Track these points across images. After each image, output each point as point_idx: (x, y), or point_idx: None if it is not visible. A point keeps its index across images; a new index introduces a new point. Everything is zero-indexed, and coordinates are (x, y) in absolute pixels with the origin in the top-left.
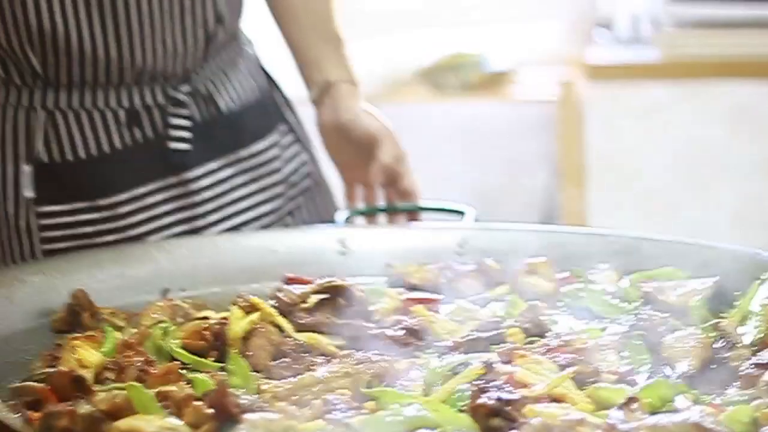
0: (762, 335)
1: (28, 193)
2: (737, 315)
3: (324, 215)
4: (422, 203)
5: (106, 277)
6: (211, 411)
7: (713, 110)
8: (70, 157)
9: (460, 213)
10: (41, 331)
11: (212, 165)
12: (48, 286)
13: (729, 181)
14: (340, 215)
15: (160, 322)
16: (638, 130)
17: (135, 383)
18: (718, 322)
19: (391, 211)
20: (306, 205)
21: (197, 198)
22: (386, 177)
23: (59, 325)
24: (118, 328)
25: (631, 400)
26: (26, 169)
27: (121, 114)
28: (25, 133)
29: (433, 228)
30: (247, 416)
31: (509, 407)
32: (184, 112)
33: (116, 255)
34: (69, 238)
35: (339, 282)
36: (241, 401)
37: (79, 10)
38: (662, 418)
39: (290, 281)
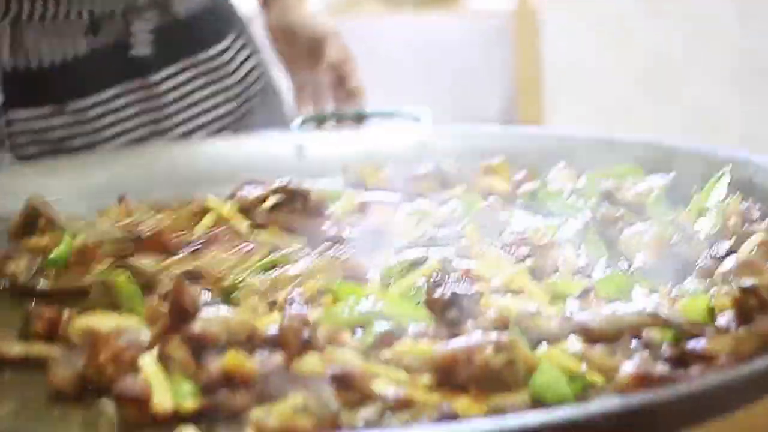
0: (717, 229)
1: None
2: (693, 210)
3: (276, 118)
4: (378, 109)
5: (62, 185)
6: (165, 308)
7: (669, 20)
8: (35, 64)
9: (416, 119)
10: None
11: (172, 69)
12: (2, 193)
13: (686, 88)
14: (295, 121)
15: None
16: (595, 40)
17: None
18: (675, 217)
19: (344, 118)
20: (259, 107)
21: (161, 101)
22: (334, 77)
23: (15, 231)
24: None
25: (588, 291)
26: None
27: (84, 21)
28: None
29: (389, 131)
30: (203, 312)
31: (465, 300)
32: (143, 16)
33: (72, 163)
34: (39, 143)
35: (295, 184)
36: (198, 299)
37: None
38: (618, 308)
39: (247, 185)
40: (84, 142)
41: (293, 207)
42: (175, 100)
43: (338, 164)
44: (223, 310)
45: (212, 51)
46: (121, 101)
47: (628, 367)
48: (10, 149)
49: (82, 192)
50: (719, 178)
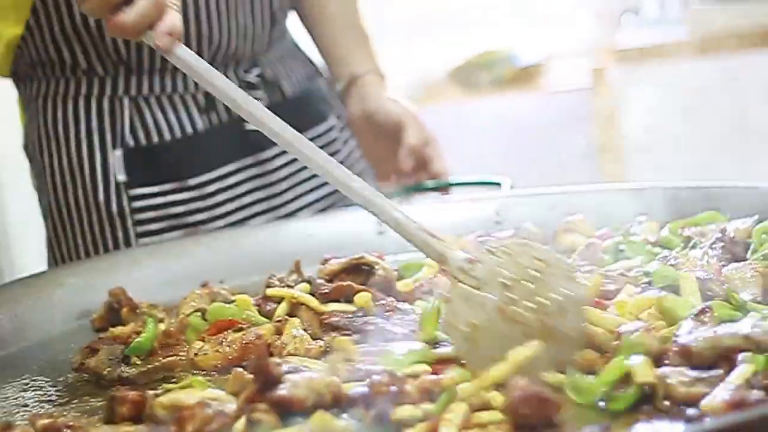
0: None
1: (121, 176)
2: None
3: None
4: (458, 179)
5: (144, 275)
6: (251, 376)
7: (747, 82)
8: (155, 140)
9: (497, 184)
10: (82, 332)
11: None
12: (86, 286)
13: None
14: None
15: (198, 310)
16: (673, 108)
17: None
18: None
19: (426, 190)
20: None
21: (273, 177)
22: (416, 161)
23: (99, 324)
24: (158, 321)
25: (704, 311)
26: (117, 153)
27: (200, 98)
28: (110, 120)
29: (469, 199)
30: (289, 376)
31: None
32: (256, 94)
33: (153, 252)
34: (160, 219)
35: (367, 257)
36: (281, 363)
37: None
38: (719, 329)
39: (326, 262)
40: (203, 217)
41: (361, 276)
42: (286, 177)
43: None
44: (308, 374)
45: (318, 129)
46: (237, 178)
47: (722, 394)
48: (133, 225)
49: (163, 281)
50: None
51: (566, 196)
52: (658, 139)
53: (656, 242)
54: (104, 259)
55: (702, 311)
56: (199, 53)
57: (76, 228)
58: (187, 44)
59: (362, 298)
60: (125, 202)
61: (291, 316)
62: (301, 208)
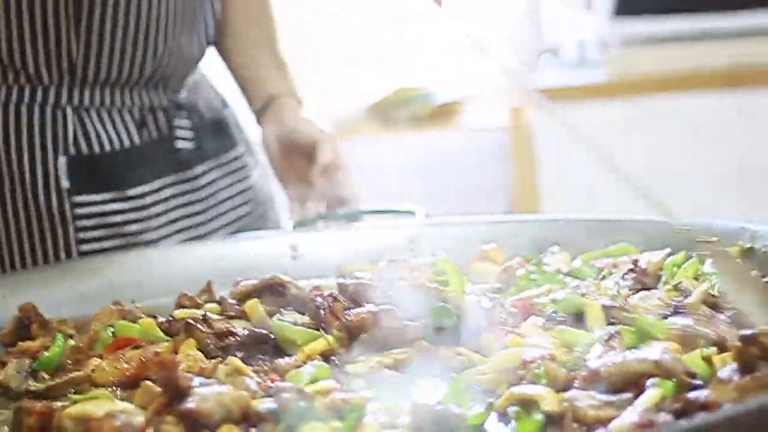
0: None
1: (65, 183)
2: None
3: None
4: (370, 207)
5: (55, 292)
6: (159, 388)
7: (664, 126)
8: (97, 150)
9: (411, 213)
10: None
11: (205, 165)
12: None
13: (686, 194)
14: (288, 222)
15: (110, 325)
16: (589, 148)
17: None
18: (680, 282)
19: (337, 219)
20: (269, 213)
21: (199, 195)
22: (328, 181)
23: (8, 339)
24: (68, 337)
25: (613, 336)
26: (61, 160)
27: (135, 113)
28: (53, 129)
29: (383, 227)
30: (198, 389)
31: None
32: (182, 114)
33: (65, 271)
34: (101, 226)
35: (280, 276)
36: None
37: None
38: (628, 355)
39: (238, 284)
40: (138, 228)
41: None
42: (208, 196)
43: (333, 263)
44: (217, 388)
45: (234, 153)
46: (168, 192)
47: (630, 416)
48: (75, 232)
49: (75, 298)
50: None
51: (480, 226)
52: (573, 179)
53: (569, 272)
54: (16, 276)
55: (611, 336)
56: (141, 68)
57: (19, 233)
58: (132, 57)
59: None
60: (67, 208)
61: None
62: (219, 228)
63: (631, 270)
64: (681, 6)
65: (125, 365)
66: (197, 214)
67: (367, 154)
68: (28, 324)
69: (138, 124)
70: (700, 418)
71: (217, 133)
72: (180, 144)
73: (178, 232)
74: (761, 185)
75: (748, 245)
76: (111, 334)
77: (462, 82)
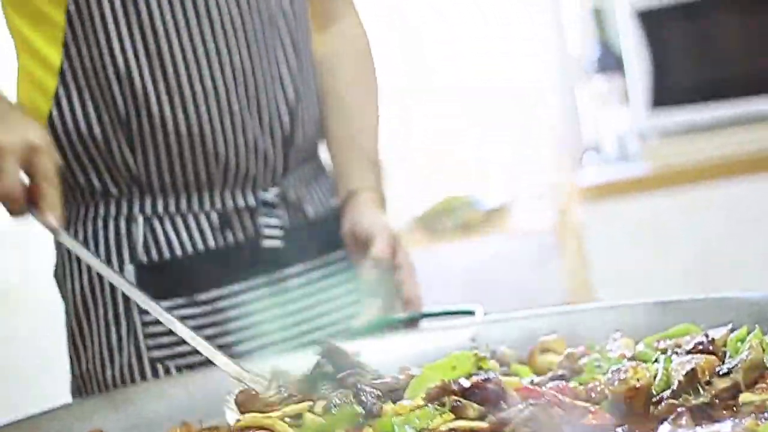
0: None
1: None
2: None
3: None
4: (429, 309)
5: (121, 417)
6: None
7: (709, 213)
8: (167, 256)
9: (471, 312)
10: None
11: (302, 266)
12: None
13: (740, 280)
14: (352, 331)
15: None
16: (639, 244)
17: None
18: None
19: (397, 323)
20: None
21: (288, 297)
22: (389, 281)
23: None
24: None
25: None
26: (129, 268)
27: (214, 216)
28: (125, 239)
29: (443, 328)
30: None
31: None
32: (275, 213)
33: (130, 395)
34: (171, 333)
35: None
36: None
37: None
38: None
39: None
40: (214, 332)
41: None
42: (304, 297)
43: (395, 367)
44: None
45: (338, 254)
46: (250, 295)
47: None
48: (144, 338)
49: (141, 424)
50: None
51: (540, 319)
52: (626, 275)
53: (632, 357)
54: (81, 403)
55: (679, 415)
56: (208, 171)
57: (95, 346)
58: (194, 162)
59: None
60: (136, 317)
61: None
62: (313, 330)
63: (699, 343)
64: (716, 93)
65: None
66: (286, 316)
67: (417, 264)
68: None
69: (217, 228)
70: None
71: (320, 232)
72: (267, 243)
73: (264, 335)
74: None
75: None
76: None
77: (507, 188)
